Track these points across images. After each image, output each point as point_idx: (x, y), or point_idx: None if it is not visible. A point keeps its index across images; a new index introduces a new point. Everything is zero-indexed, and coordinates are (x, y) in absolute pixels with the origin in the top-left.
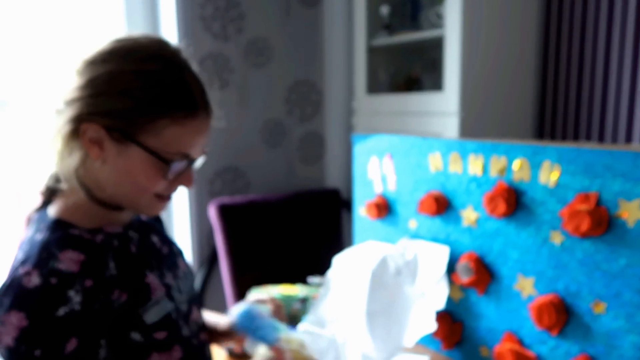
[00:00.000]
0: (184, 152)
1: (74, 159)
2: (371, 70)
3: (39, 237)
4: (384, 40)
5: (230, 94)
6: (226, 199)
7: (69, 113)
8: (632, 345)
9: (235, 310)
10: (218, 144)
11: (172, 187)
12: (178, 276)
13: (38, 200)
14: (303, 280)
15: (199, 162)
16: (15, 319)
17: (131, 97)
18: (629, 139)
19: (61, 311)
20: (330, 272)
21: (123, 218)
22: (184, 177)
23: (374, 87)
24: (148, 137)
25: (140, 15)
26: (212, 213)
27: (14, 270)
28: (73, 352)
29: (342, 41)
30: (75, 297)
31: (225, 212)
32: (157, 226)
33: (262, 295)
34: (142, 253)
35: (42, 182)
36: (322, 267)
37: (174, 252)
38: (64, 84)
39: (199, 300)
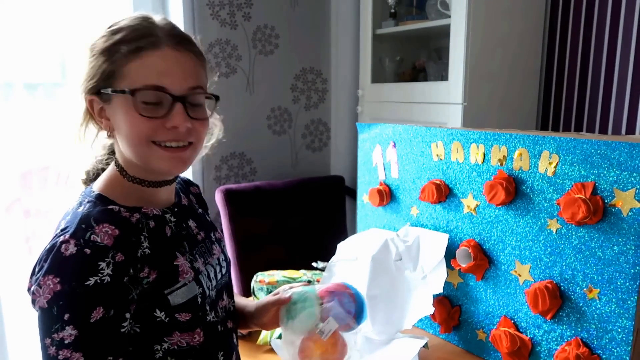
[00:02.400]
0: (151, 84)
1: (99, 138)
2: (377, 59)
3: (81, 209)
4: (390, 28)
5: (237, 80)
6: (232, 185)
7: (82, 97)
8: (623, 329)
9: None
10: (224, 130)
11: (166, 131)
12: (210, 263)
13: (82, 185)
14: (306, 266)
15: (193, 100)
16: (51, 283)
17: (99, 54)
18: (630, 130)
19: (91, 280)
20: (333, 258)
21: (162, 200)
22: (173, 116)
23: (380, 76)
24: (119, 82)
25: (148, 1)
26: (219, 198)
27: (55, 237)
28: (98, 320)
29: (349, 29)
30: (106, 269)
31: (231, 197)
32: (198, 212)
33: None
34: (177, 236)
35: (82, 168)
36: (325, 253)
37: (211, 239)
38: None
39: (230, 288)
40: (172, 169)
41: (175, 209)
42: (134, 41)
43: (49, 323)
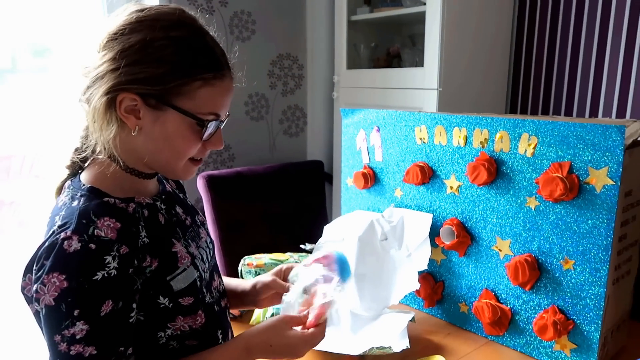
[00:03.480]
0: (216, 112)
1: (111, 130)
2: (351, 45)
3: (76, 203)
4: (364, 15)
5: None
6: (214, 171)
7: (104, 86)
8: (595, 296)
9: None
10: None
11: (204, 150)
12: (201, 246)
13: (64, 172)
14: (291, 248)
15: (224, 124)
16: (57, 281)
17: (166, 63)
18: (594, 113)
19: (99, 275)
20: (321, 239)
21: (151, 189)
22: (214, 139)
23: (355, 62)
24: (183, 101)
25: None
26: (201, 184)
27: (53, 234)
28: (108, 313)
29: (324, 16)
30: (112, 262)
31: (213, 183)
32: (181, 197)
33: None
34: (170, 223)
35: (67, 155)
36: (308, 236)
37: (197, 223)
38: (90, 59)
39: (217, 269)
40: (189, 177)
41: (163, 197)
42: (207, 69)
43: (58, 320)
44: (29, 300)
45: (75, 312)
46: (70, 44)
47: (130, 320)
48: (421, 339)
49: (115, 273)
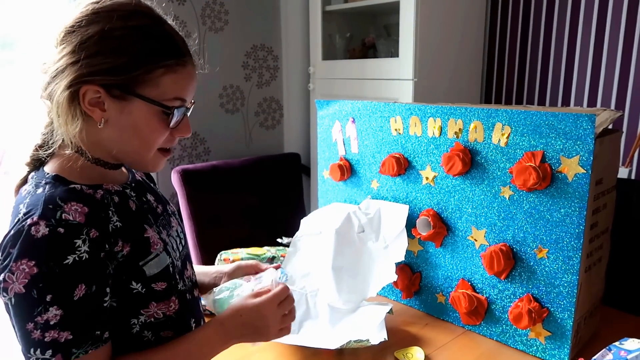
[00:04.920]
0: (181, 98)
1: (76, 124)
2: (327, 36)
3: (41, 191)
4: (339, 5)
5: None
6: (189, 165)
7: (65, 80)
8: (568, 283)
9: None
10: None
11: (172, 139)
12: (171, 234)
13: (24, 169)
14: (268, 242)
15: (190, 111)
16: (26, 267)
17: (127, 52)
18: (566, 102)
19: (69, 259)
20: (298, 233)
21: (119, 177)
22: (182, 126)
23: (330, 53)
24: (147, 89)
25: None
26: (175, 179)
27: (19, 222)
28: (82, 297)
29: (298, 6)
30: (82, 246)
31: (188, 177)
32: (151, 186)
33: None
34: (141, 210)
35: (26, 153)
36: (285, 229)
37: (168, 212)
38: (48, 55)
39: (190, 259)
40: (159, 169)
41: (133, 184)
42: (168, 56)
43: (30, 307)
44: None
45: (48, 298)
46: (37, 35)
47: (105, 305)
48: (399, 330)
49: (87, 257)
